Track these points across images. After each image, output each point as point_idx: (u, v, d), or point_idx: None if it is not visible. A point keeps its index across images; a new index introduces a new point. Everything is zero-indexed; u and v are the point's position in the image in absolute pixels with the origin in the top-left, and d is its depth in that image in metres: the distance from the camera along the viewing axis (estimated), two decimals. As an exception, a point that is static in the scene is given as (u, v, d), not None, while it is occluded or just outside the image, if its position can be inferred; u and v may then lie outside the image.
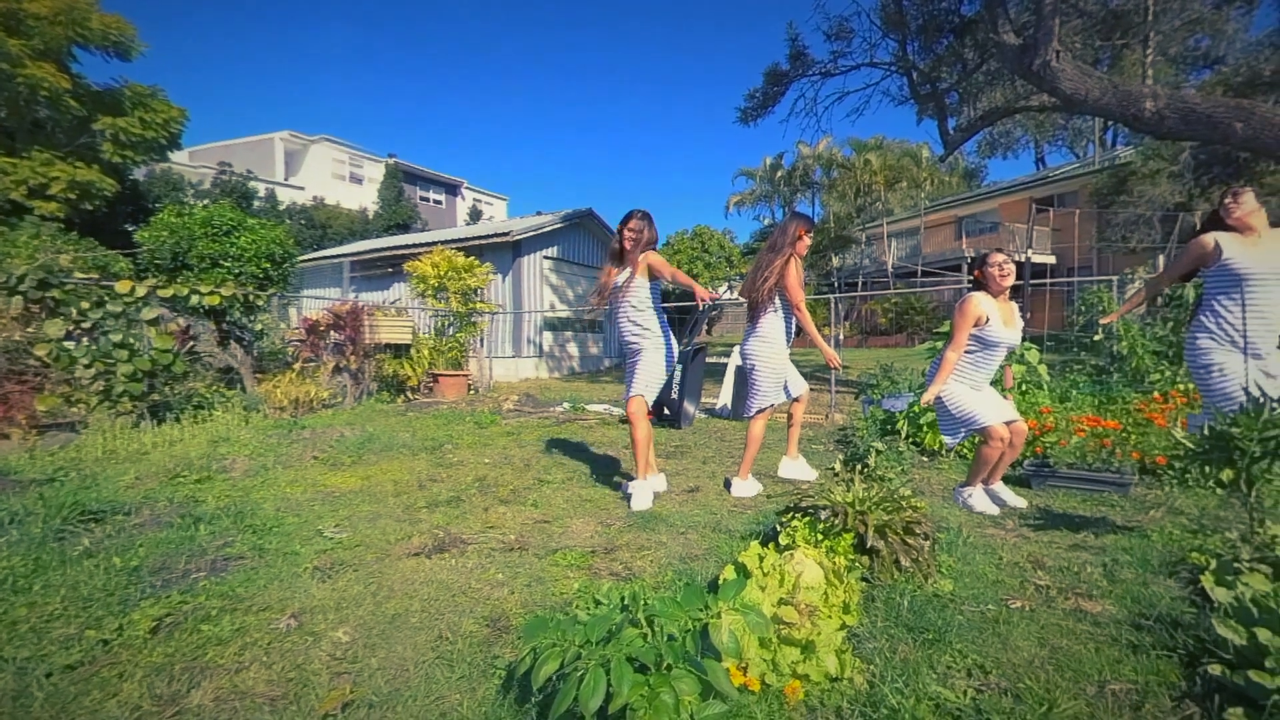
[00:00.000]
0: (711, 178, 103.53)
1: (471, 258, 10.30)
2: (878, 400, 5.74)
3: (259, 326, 8.48)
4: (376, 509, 3.55)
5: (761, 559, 2.09)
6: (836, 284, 24.45)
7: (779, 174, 29.35)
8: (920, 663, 1.84)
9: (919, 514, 2.52)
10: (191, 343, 6.86)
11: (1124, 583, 2.41)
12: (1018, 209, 22.60)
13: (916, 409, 5.01)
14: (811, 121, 13.13)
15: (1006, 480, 3.79)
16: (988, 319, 3.43)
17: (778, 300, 3.91)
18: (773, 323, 3.93)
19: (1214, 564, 2.26)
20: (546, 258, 14.82)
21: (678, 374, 6.47)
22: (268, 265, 8.50)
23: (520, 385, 11.85)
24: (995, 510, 3.42)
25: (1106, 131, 25.02)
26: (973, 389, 3.54)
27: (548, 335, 14.91)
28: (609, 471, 4.55)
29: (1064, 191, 21.89)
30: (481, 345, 11.03)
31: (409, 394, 9.04)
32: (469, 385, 9.89)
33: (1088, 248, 19.07)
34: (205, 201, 20.52)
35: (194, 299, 6.95)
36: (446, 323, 10.12)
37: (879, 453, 4.17)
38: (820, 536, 2.40)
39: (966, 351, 3.50)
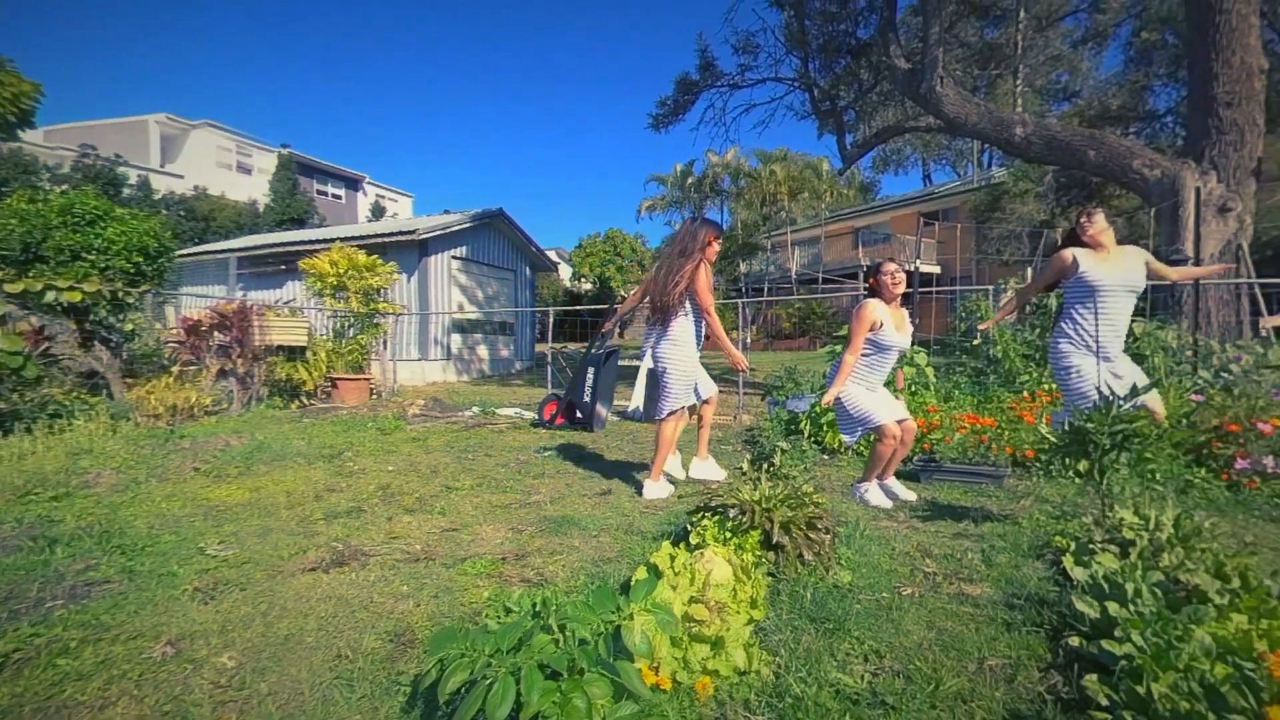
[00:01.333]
0: (624, 182, 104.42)
1: (374, 256, 9.84)
2: (782, 401, 5.97)
3: (129, 326, 7.71)
4: (267, 522, 3.31)
5: (673, 559, 2.12)
6: (744, 289, 25.27)
7: (689, 181, 30.03)
8: (822, 651, 1.93)
9: (821, 510, 2.64)
10: (46, 344, 6.15)
11: (999, 566, 2.63)
12: (907, 222, 24.26)
13: (818, 409, 5.25)
14: (720, 131, 13.56)
15: (899, 475, 4.04)
16: (882, 324, 3.65)
17: (688, 304, 3.98)
18: (683, 326, 4.01)
19: (1073, 546, 2.51)
20: (455, 258, 14.40)
21: (589, 377, 6.46)
22: (140, 259, 7.73)
23: (427, 389, 11.44)
24: (889, 504, 3.65)
25: (984, 153, 27.30)
26: (868, 390, 3.75)
27: (456, 337, 14.49)
28: (521, 476, 4.47)
29: (947, 207, 23.69)
30: (385, 348, 10.55)
31: (304, 399, 8.51)
32: (371, 389, 9.43)
33: (968, 259, 20.73)
34: (64, 187, 18.45)
35: (49, 295, 6.23)
36: (346, 324, 9.61)
37: (784, 452, 4.34)
38: (729, 534, 2.47)
39: (862, 355, 3.71)
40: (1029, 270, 18.12)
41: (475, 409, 8.10)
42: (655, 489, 3.95)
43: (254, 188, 30.43)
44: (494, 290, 15.95)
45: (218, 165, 30.86)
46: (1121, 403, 2.85)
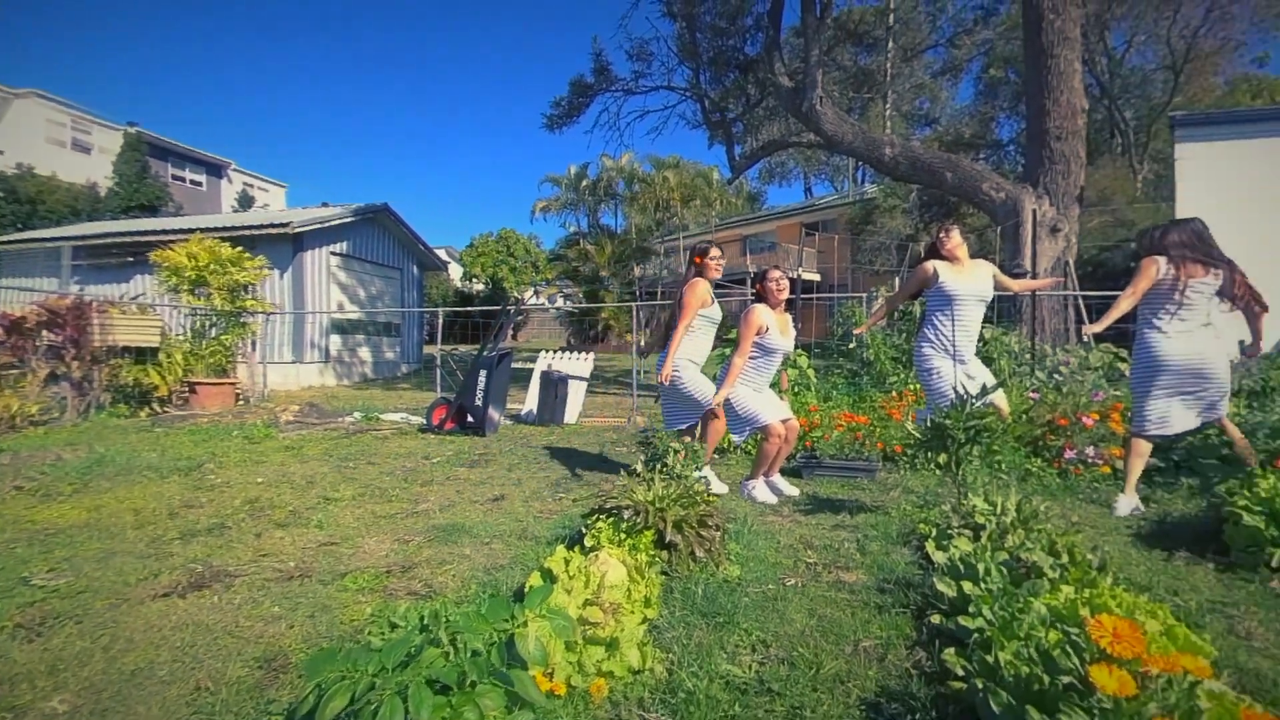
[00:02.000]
0: (518, 181, 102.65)
1: (241, 249, 9.06)
2: (675, 403, 6.10)
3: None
4: (110, 545, 2.95)
5: (567, 562, 2.11)
6: (638, 293, 25.61)
7: (584, 183, 30.03)
8: (713, 645, 1.99)
9: (712, 508, 2.73)
10: None
11: (872, 554, 2.83)
12: (791, 231, 25.61)
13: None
14: (615, 135, 13.69)
15: (783, 472, 4.25)
16: (767, 328, 3.83)
17: (694, 323, 3.95)
18: (686, 345, 3.95)
19: (934, 532, 2.75)
20: (335, 254, 13.52)
21: (481, 380, 6.29)
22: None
23: (303, 394, 10.66)
24: (774, 499, 3.83)
25: (858, 170, 29.41)
26: (755, 391, 3.92)
27: (336, 338, 13.61)
28: (407, 484, 4.27)
29: (826, 218, 25.25)
30: (254, 349, 9.73)
31: (156, 406, 7.66)
32: (237, 395, 8.66)
33: (844, 268, 22.20)
34: None
35: None
36: (208, 323, 8.77)
37: (676, 452, 4.43)
38: (623, 535, 2.49)
39: (750, 358, 3.87)
40: (897, 280, 19.69)
41: (357, 414, 7.65)
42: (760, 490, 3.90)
43: (94, 169, 26.95)
44: (378, 289, 15.14)
45: (48, 141, 27.07)
46: (974, 401, 3.16)
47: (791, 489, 4.01)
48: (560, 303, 30.84)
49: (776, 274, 3.95)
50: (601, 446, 5.76)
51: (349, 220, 13.67)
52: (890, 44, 16.00)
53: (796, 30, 11.71)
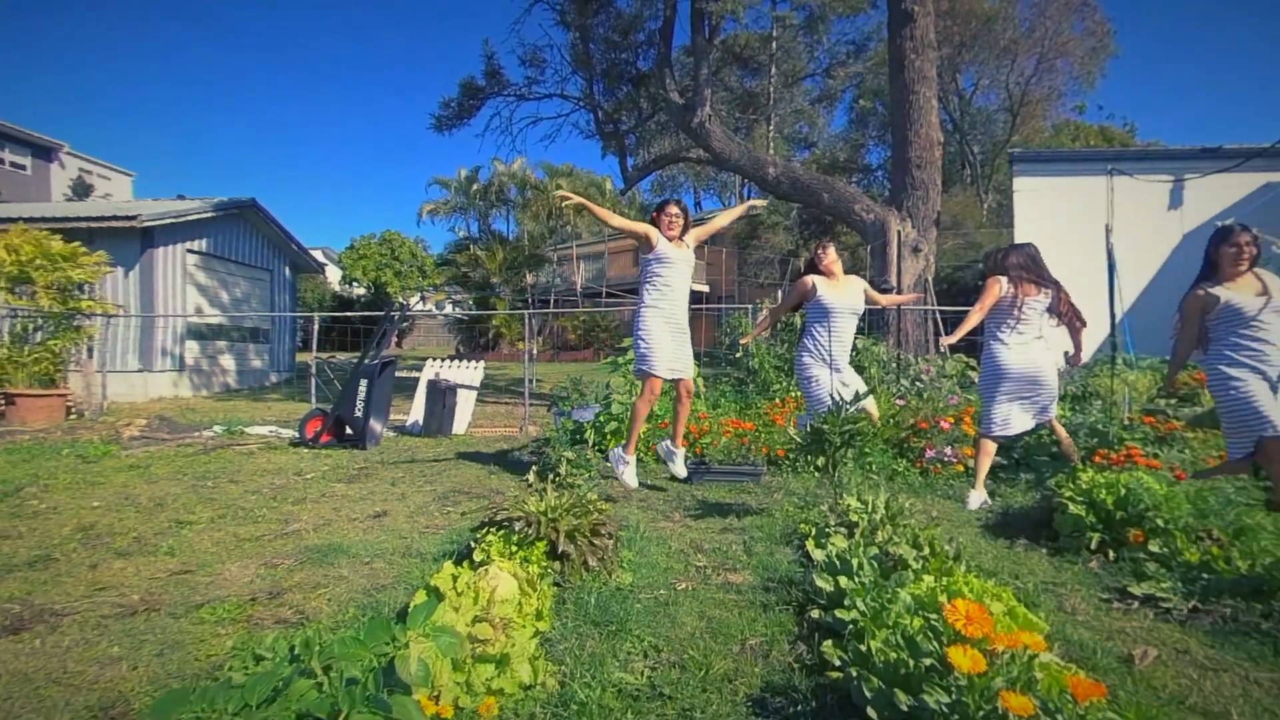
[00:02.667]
0: (404, 182, 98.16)
1: (76, 244, 8.02)
2: (568, 411, 6.07)
3: None
4: (-105, 588, 2.50)
5: (455, 579, 2.03)
6: (530, 301, 25.30)
7: (475, 188, 29.25)
8: (605, 654, 1.99)
9: (605, 516, 2.73)
10: None
11: (758, 555, 2.95)
12: (682, 243, 26.30)
13: (602, 419, 5.43)
14: (507, 140, 13.50)
15: (674, 479, 4.32)
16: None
17: (648, 270, 4.11)
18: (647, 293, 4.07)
19: (813, 531, 2.91)
20: (193, 251, 12.28)
21: (362, 389, 5.94)
22: None
23: (152, 406, 9.57)
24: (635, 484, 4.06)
25: (744, 187, 30.71)
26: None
27: (193, 345, 12.35)
28: (276, 502, 3.94)
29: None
30: (90, 356, 8.62)
31: (-38, 422, 6.59)
32: (69, 408, 7.63)
33: (732, 280, 23.12)
34: None
35: None
36: (31, 326, 7.67)
37: (569, 461, 4.41)
38: (515, 548, 2.43)
39: None
40: (779, 293, 20.76)
41: (217, 428, 6.97)
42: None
43: (-119, 143, 22.89)
44: (245, 291, 13.92)
45: None
46: (848, 407, 3.39)
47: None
48: (449, 309, 29.79)
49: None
50: (492, 457, 5.61)
51: (210, 215, 12.46)
52: (773, 70, 16.94)
53: (687, 49, 12.09)
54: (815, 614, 2.19)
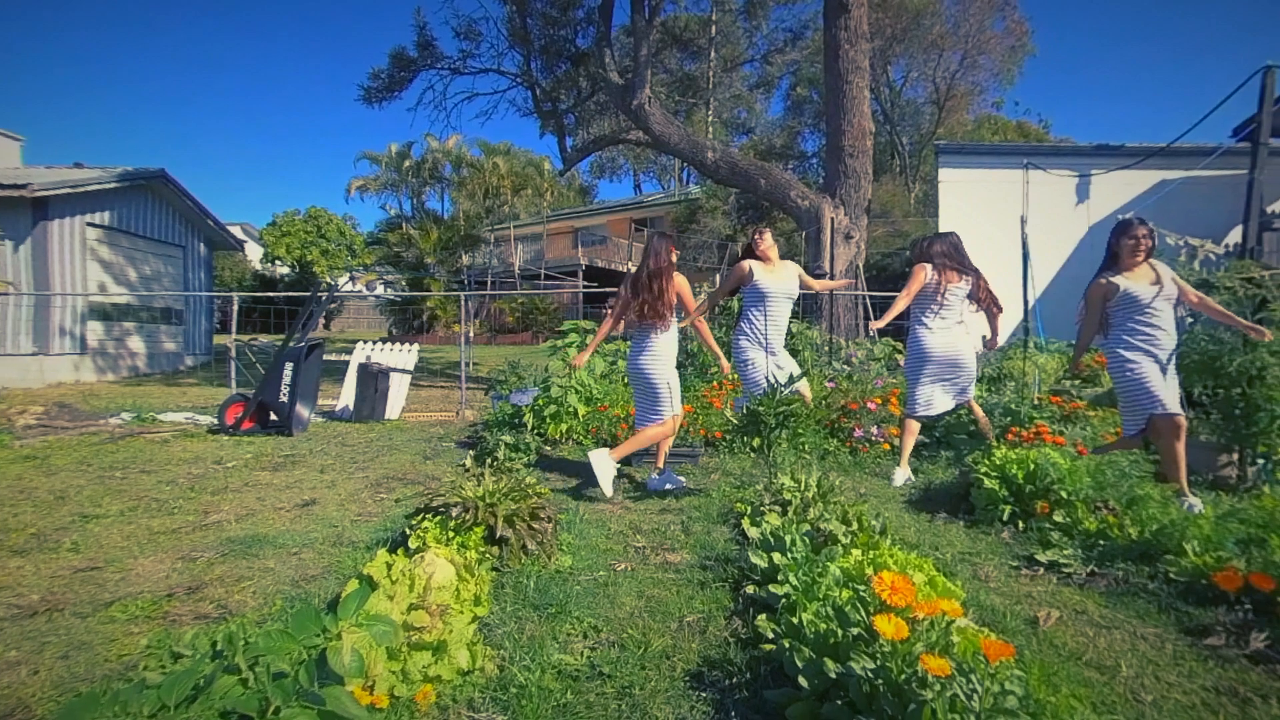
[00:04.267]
0: (331, 156, 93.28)
1: (-46, 214, 7.27)
2: (506, 395, 5.99)
3: None
4: None
5: (390, 566, 1.99)
6: (466, 282, 24.70)
7: (407, 164, 28.23)
8: (545, 636, 1.99)
9: (543, 500, 2.72)
10: None
11: (695, 534, 3.01)
12: (621, 226, 26.26)
13: (541, 402, 5.39)
14: (441, 116, 12.96)
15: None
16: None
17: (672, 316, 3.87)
18: (670, 337, 3.88)
19: (749, 510, 3.00)
20: (94, 225, 11.35)
21: (287, 373, 5.68)
22: None
23: (49, 392, 8.85)
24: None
25: (684, 171, 30.83)
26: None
27: (97, 326, 11.46)
28: (194, 493, 3.73)
29: (654, 215, 26.23)
30: (-25, 338, 7.88)
31: None
32: (-49, 394, 6.96)
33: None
34: None
35: None
36: (-96, 304, 6.94)
37: (507, 445, 4.36)
38: (452, 534, 2.39)
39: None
40: (718, 276, 21.04)
41: (126, 415, 6.53)
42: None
43: None
44: (154, 269, 13.00)
45: None
46: (783, 389, 3.48)
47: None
48: (381, 290, 28.73)
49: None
50: (428, 442, 5.49)
51: (113, 186, 11.53)
52: (712, 54, 16.98)
53: (627, 29, 11.94)
54: (750, 590, 2.26)
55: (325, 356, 7.06)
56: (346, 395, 7.01)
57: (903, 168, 24.64)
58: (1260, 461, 3.81)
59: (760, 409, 3.48)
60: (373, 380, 6.62)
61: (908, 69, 24.32)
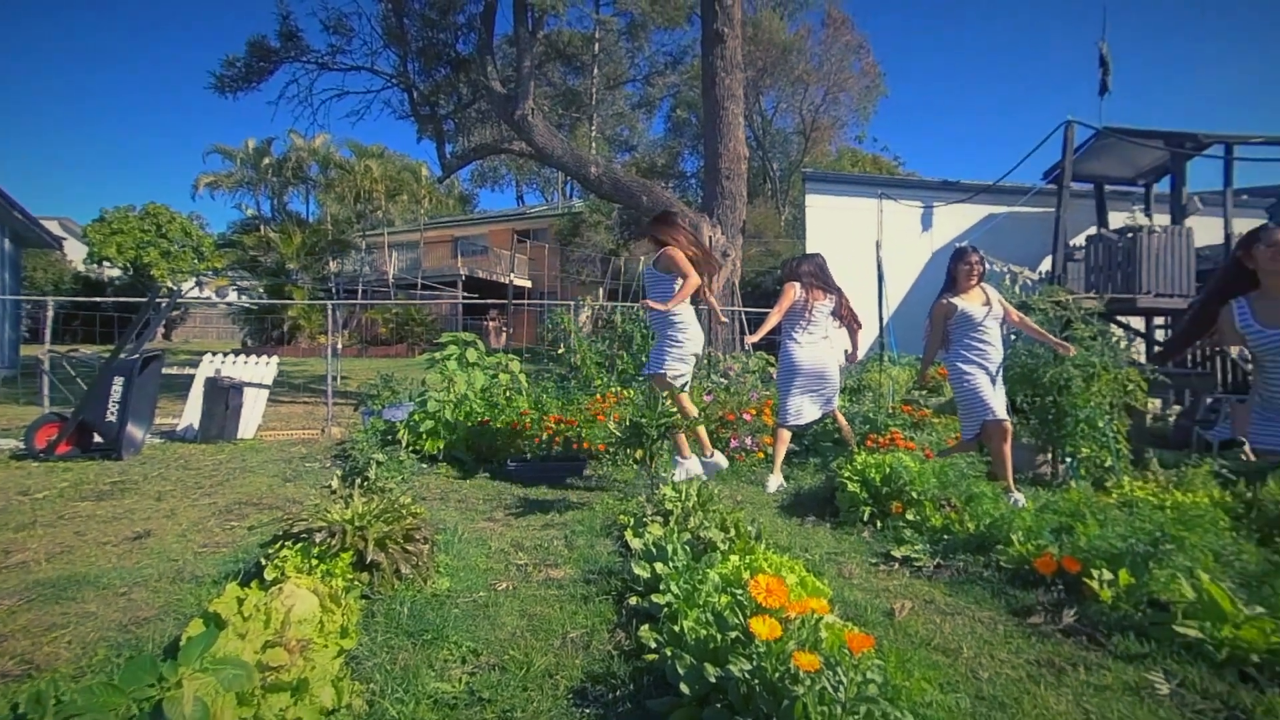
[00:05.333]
0: (174, 148, 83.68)
1: None
2: (378, 410, 5.67)
3: None
4: None
5: (241, 601, 1.80)
6: (335, 290, 23.13)
7: (267, 161, 26.08)
8: (420, 665, 1.89)
9: (419, 520, 2.59)
10: None
11: (579, 548, 2.99)
12: (503, 237, 25.79)
13: (417, 418, 5.14)
14: (307, 112, 12.02)
15: (492, 475, 4.22)
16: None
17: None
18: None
19: (632, 521, 3.02)
20: None
21: (117, 389, 5.02)
22: None
23: None
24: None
25: (567, 184, 30.89)
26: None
27: None
28: (-9, 531, 3.18)
29: (538, 227, 26.03)
30: None
31: None
32: None
33: (554, 276, 23.14)
34: None
35: None
36: None
37: (380, 464, 4.12)
38: (316, 561, 2.22)
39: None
40: (600, 290, 21.20)
41: (-102, 440, 5.46)
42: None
43: None
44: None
45: None
46: (663, 402, 3.57)
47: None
48: (234, 297, 26.20)
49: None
50: (288, 463, 5.06)
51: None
52: (596, 71, 17.22)
53: (510, 39, 11.80)
54: (634, 601, 2.27)
55: (165, 370, 6.31)
56: (191, 413, 6.30)
57: (774, 192, 26.23)
58: (1069, 460, 4.40)
59: (643, 420, 3.54)
60: (223, 396, 6.00)
61: (778, 100, 26.01)
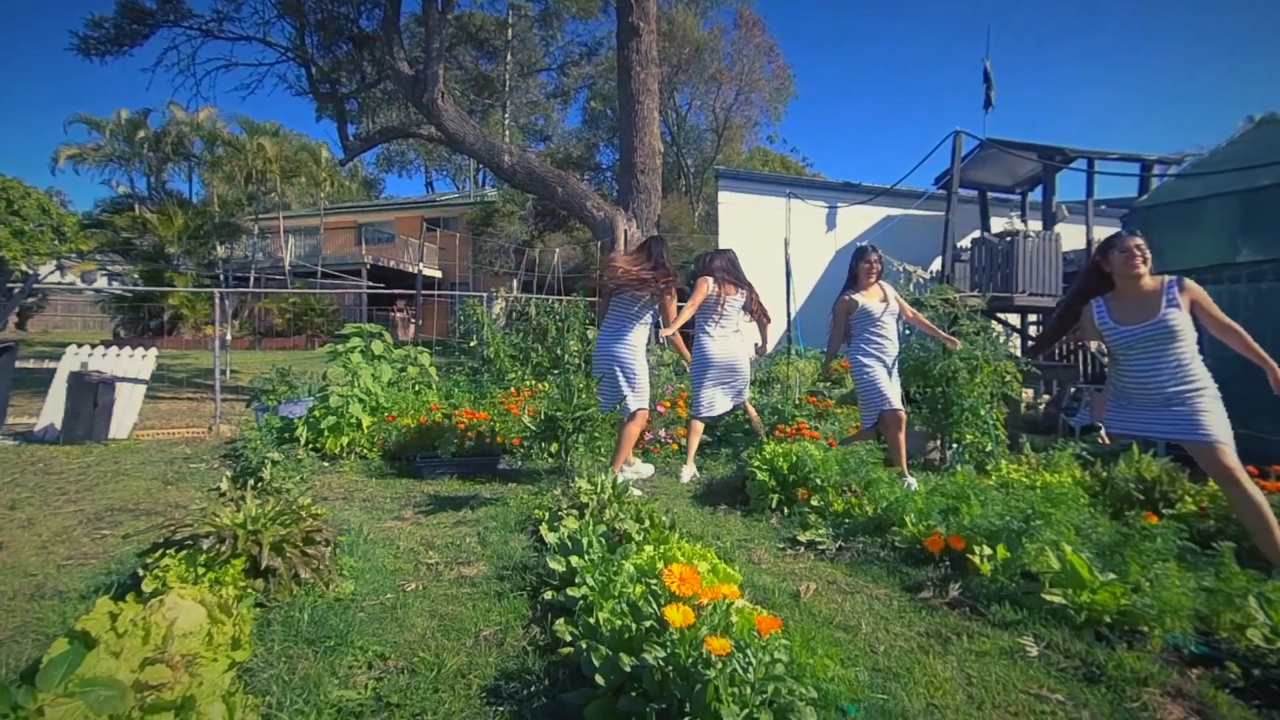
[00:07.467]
0: (27, 114, 74.32)
1: None
2: (274, 406, 5.32)
3: None
4: None
5: (114, 617, 1.64)
6: (224, 277, 21.43)
7: (142, 134, 23.70)
8: (322, 673, 1.79)
9: (320, 521, 2.46)
10: None
11: (492, 545, 2.93)
12: (411, 225, 24.76)
13: (317, 414, 4.87)
14: (189, 82, 11.01)
15: (399, 475, 4.07)
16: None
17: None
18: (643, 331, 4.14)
19: (547, 516, 3.00)
20: None
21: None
22: None
23: None
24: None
25: (479, 172, 30.04)
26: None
27: None
28: None
29: (449, 216, 25.16)
30: None
31: None
32: None
33: (466, 267, 22.48)
34: None
35: None
36: None
37: (275, 463, 3.87)
38: (203, 570, 2.06)
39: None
40: (515, 281, 20.82)
41: None
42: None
43: None
44: None
45: None
46: (581, 393, 3.55)
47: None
48: (103, 283, 23.72)
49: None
50: (169, 465, 4.66)
51: None
52: (509, 57, 16.83)
53: (418, 19, 11.31)
54: (549, 595, 2.26)
55: (19, 364, 5.64)
56: (52, 411, 5.66)
57: (688, 188, 26.63)
58: (955, 446, 4.76)
59: (558, 414, 3.51)
60: (90, 392, 5.43)
61: (691, 97, 26.38)
